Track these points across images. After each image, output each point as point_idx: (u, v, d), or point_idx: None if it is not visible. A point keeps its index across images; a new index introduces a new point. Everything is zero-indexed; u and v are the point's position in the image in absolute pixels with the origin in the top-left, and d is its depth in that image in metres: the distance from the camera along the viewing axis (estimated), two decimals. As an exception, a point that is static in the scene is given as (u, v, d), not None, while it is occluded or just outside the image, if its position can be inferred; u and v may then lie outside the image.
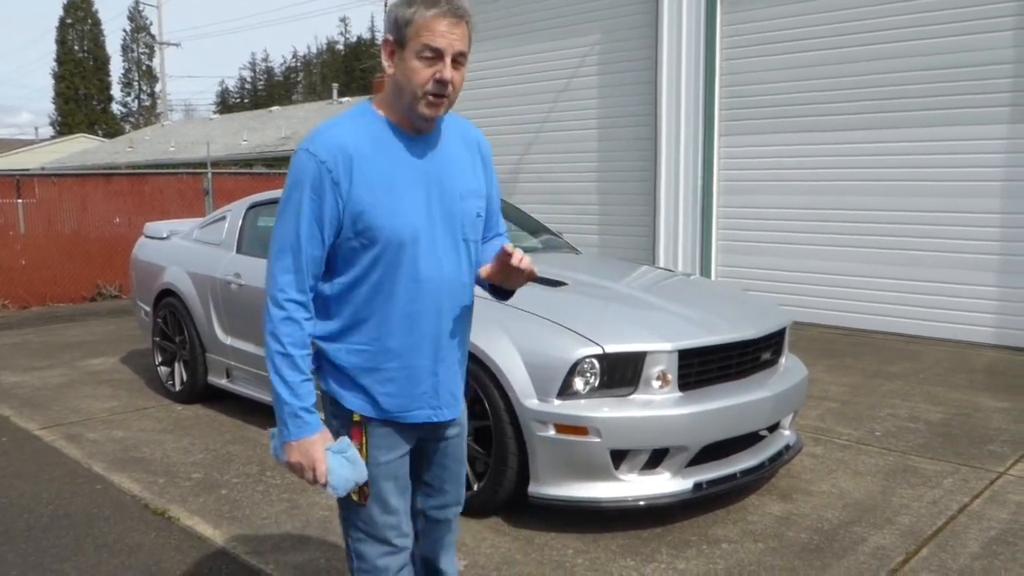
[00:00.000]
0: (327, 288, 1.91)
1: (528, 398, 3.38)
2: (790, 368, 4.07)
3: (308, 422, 1.83)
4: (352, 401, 1.91)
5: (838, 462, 4.29)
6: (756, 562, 3.20)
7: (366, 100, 1.92)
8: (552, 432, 3.33)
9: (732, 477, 3.57)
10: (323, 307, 1.92)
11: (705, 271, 8.66)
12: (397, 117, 1.86)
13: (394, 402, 1.92)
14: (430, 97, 1.79)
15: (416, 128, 1.87)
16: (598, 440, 3.29)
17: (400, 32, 1.77)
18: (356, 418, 1.91)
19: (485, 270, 2.02)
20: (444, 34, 1.76)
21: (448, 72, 1.78)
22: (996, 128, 6.88)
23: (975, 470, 4.14)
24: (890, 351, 6.87)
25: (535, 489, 3.42)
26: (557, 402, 3.35)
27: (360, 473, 1.88)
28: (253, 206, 5.41)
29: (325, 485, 1.85)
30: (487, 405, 3.49)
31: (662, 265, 8.68)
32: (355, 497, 1.93)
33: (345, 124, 1.84)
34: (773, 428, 3.94)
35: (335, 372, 1.93)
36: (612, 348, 3.38)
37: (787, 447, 3.94)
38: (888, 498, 3.81)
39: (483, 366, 3.50)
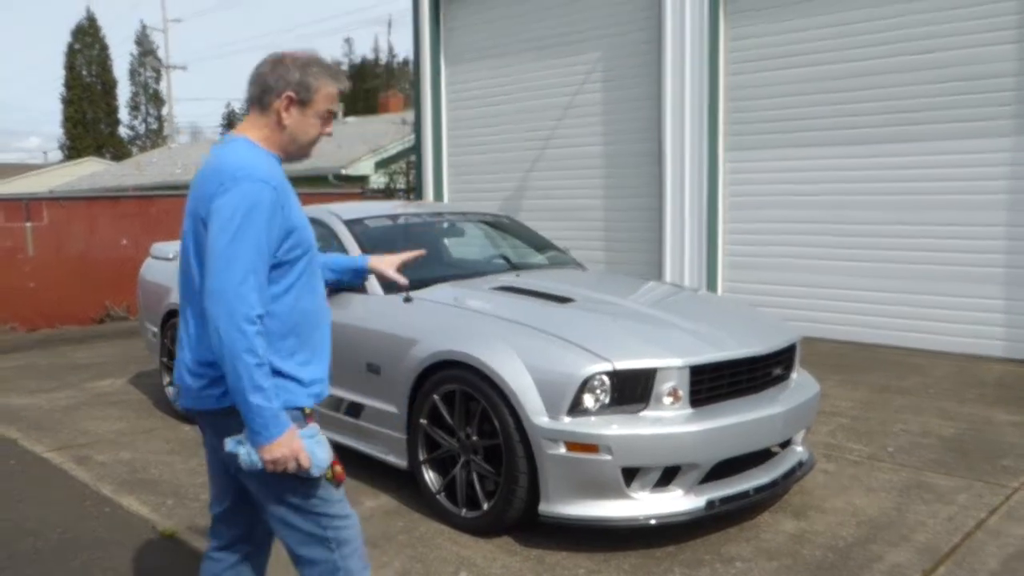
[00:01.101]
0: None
1: (538, 416, 3.35)
2: (801, 384, 4.04)
3: (283, 419, 2.01)
4: (303, 396, 2.13)
5: (851, 479, 4.24)
6: (771, 580, 3.16)
7: (244, 138, 2.15)
8: (563, 450, 3.31)
9: (745, 494, 3.53)
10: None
11: (711, 286, 8.64)
12: (283, 155, 2.19)
13: (313, 388, 2.17)
14: (316, 144, 2.24)
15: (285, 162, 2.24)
16: (609, 458, 3.27)
17: (307, 94, 2.14)
18: (308, 411, 2.13)
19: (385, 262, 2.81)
20: (336, 101, 2.22)
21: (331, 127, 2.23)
22: (1000, 141, 6.86)
23: (989, 485, 4.09)
24: (899, 365, 6.83)
25: (546, 508, 3.39)
26: (567, 419, 3.32)
27: (329, 452, 2.11)
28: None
29: (308, 470, 2.04)
30: (496, 423, 3.47)
31: (668, 281, 8.66)
32: (329, 477, 2.12)
33: (263, 158, 2.11)
34: (785, 444, 3.90)
35: (280, 378, 2.10)
36: (622, 365, 3.36)
37: (800, 463, 3.91)
38: (903, 515, 3.76)
39: (491, 383, 3.48)
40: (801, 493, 4.03)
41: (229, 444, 2.06)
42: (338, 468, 2.14)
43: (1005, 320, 6.90)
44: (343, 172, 16.83)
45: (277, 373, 2.07)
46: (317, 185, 15.38)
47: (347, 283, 2.73)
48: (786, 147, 8.10)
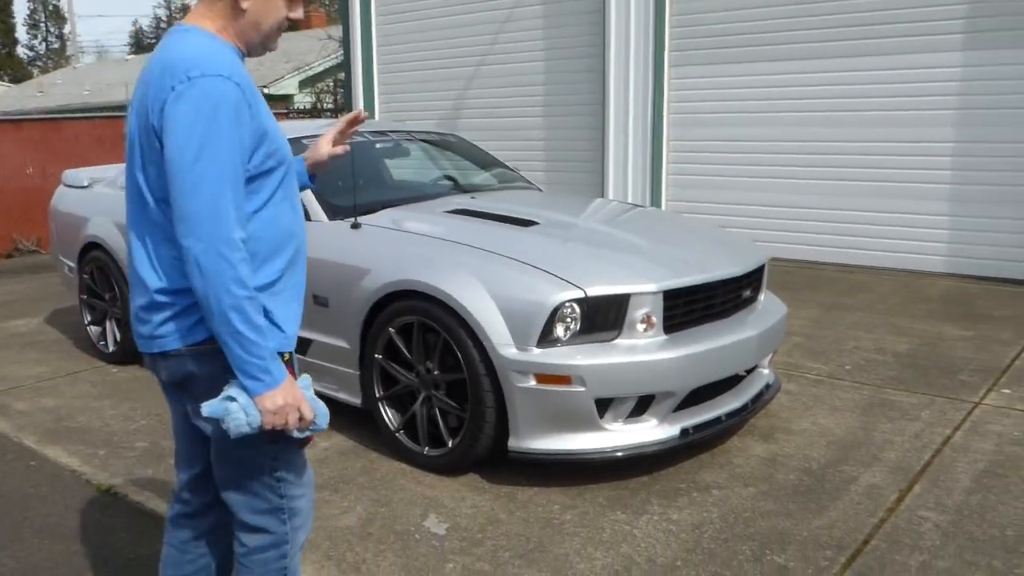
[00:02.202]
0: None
1: (505, 347, 3.14)
2: (768, 306, 3.92)
3: (280, 363, 1.74)
4: (280, 340, 1.82)
5: (814, 398, 4.19)
6: (750, 507, 3.07)
7: (196, 27, 1.79)
8: (533, 383, 3.12)
9: (717, 420, 3.42)
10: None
11: (655, 205, 8.50)
12: (243, 47, 1.85)
13: (289, 328, 1.86)
14: (281, 31, 1.89)
15: (247, 57, 1.90)
16: (582, 389, 3.09)
17: None
18: (287, 357, 1.83)
19: (318, 149, 2.22)
20: None
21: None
22: (950, 56, 6.79)
23: (951, 401, 4.09)
24: (845, 283, 6.84)
25: (515, 443, 3.21)
26: (537, 351, 3.12)
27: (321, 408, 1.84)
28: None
29: (312, 422, 1.79)
30: (460, 356, 3.25)
31: (616, 199, 8.49)
32: (299, 436, 1.83)
33: (222, 50, 1.75)
34: (751, 368, 3.80)
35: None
36: (594, 291, 3.16)
37: (767, 386, 3.82)
38: (870, 434, 3.72)
39: (454, 314, 3.25)
40: (767, 416, 3.96)
41: (212, 407, 1.71)
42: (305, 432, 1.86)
43: (948, 236, 6.96)
44: (265, 91, 16.02)
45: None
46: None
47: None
48: (732, 63, 7.90)
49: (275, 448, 1.84)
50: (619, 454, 3.19)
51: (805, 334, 5.35)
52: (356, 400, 3.75)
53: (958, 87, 6.77)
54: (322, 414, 1.82)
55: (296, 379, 1.79)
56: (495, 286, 3.22)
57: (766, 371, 3.90)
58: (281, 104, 15.45)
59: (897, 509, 3.01)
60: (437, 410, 3.43)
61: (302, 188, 2.29)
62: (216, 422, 1.75)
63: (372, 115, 10.87)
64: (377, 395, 3.63)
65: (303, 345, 3.91)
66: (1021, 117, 6.52)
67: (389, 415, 3.62)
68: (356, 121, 2.25)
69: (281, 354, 1.79)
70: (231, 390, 1.72)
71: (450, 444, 3.37)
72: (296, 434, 1.78)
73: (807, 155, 7.59)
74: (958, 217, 6.90)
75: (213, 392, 1.74)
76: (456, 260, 3.38)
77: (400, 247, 3.61)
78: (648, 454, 3.25)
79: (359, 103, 10.89)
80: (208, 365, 1.76)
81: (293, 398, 1.73)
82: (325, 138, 2.27)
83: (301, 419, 1.75)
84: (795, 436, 3.72)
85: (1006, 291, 6.36)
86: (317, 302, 3.82)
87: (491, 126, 9.77)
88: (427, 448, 3.47)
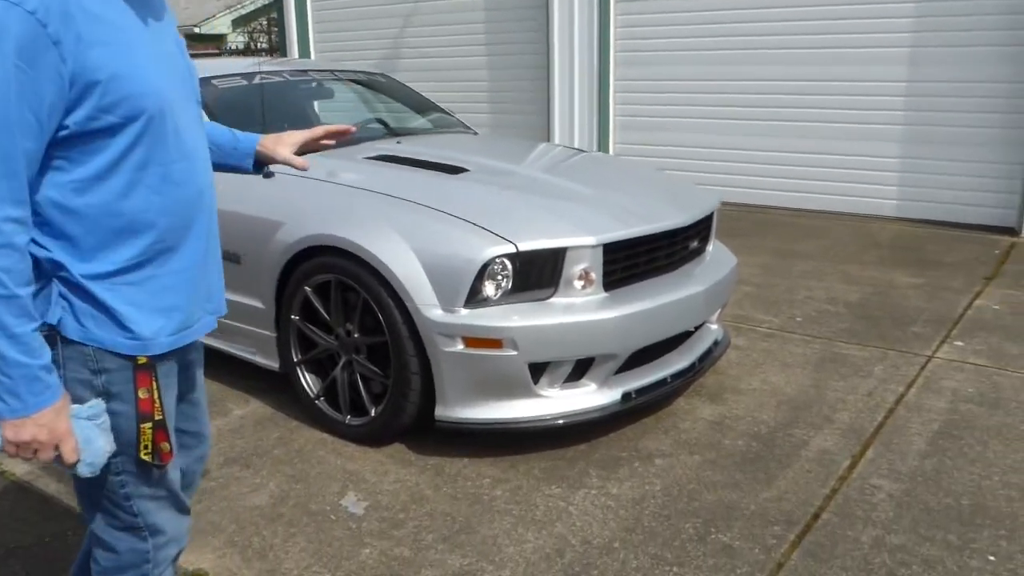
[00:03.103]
0: (56, 193, 1.37)
1: (430, 308, 2.85)
2: (717, 257, 3.67)
3: (49, 384, 1.36)
4: (128, 342, 1.45)
5: (764, 353, 4.00)
6: (695, 478, 2.86)
7: None
8: (460, 347, 2.83)
9: (663, 382, 3.19)
10: (56, 223, 1.38)
11: (603, 148, 8.20)
12: None
13: (178, 319, 1.51)
14: None
15: None
16: (514, 353, 2.82)
17: None
18: (142, 361, 1.47)
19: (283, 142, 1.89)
20: None
21: None
22: (904, -11, 6.53)
23: (903, 355, 3.93)
24: (794, 228, 6.66)
25: (443, 412, 2.94)
26: (464, 311, 2.84)
27: (111, 443, 1.47)
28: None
29: (74, 464, 1.42)
30: (381, 318, 2.95)
31: (562, 144, 8.16)
32: (148, 458, 1.50)
33: None
34: (699, 323, 3.57)
35: (96, 312, 1.42)
36: (527, 245, 2.87)
37: (716, 343, 3.59)
38: (822, 392, 3.54)
39: (373, 272, 2.93)
40: (715, 373, 3.75)
41: None
42: (164, 446, 1.52)
43: (898, 179, 6.79)
44: (196, 31, 15.18)
45: (98, 304, 1.42)
46: (167, 45, 13.81)
47: (229, 168, 1.86)
48: (681, -3, 7.54)
49: (116, 463, 1.51)
50: (557, 422, 2.95)
51: (756, 283, 5.16)
52: (274, 364, 3.44)
53: (911, 23, 6.52)
54: (87, 461, 1.43)
55: (89, 404, 1.44)
56: (418, 240, 2.91)
57: (715, 327, 3.68)
58: (213, 44, 14.65)
59: (849, 477, 2.83)
60: (359, 376, 3.14)
61: (236, 170, 1.90)
62: None
63: (307, 54, 10.31)
64: (295, 359, 3.32)
65: (214, 305, 3.57)
66: (975, 56, 6.32)
67: (308, 381, 3.32)
68: (340, 134, 1.95)
69: (135, 358, 1.46)
70: None
71: (373, 413, 3.09)
72: (79, 470, 1.44)
73: (757, 95, 7.32)
74: (909, 159, 6.72)
75: (81, 389, 1.44)
76: (375, 211, 3.06)
77: (315, 197, 3.27)
78: (587, 421, 3.01)
79: (293, 43, 10.30)
80: None
81: (48, 434, 1.36)
82: (290, 139, 1.93)
83: (58, 458, 1.40)
84: (744, 396, 3.52)
85: (955, 235, 6.24)
86: (228, 258, 3.46)
87: (430, 66, 9.30)
88: (349, 416, 3.19)
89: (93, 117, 1.34)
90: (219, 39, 15.20)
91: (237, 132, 1.94)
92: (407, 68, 9.37)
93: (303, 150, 1.95)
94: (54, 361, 1.38)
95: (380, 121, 4.60)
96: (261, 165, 1.93)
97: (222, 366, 3.80)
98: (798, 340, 4.16)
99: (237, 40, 15.16)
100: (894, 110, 6.71)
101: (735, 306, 4.68)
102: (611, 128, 8.19)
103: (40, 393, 1.34)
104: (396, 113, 4.79)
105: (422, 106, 4.92)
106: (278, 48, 11.20)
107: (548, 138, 8.44)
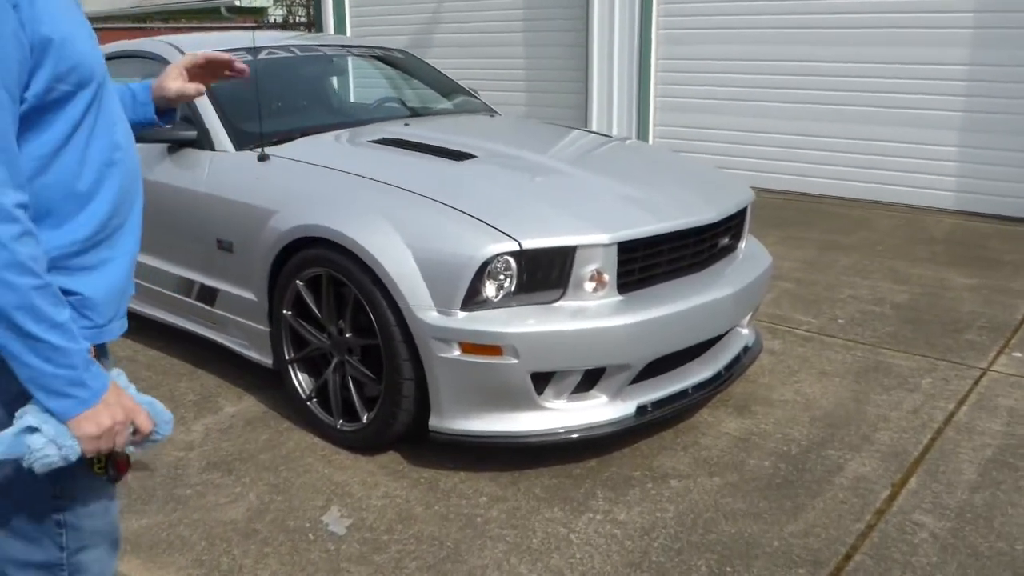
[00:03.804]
0: None
1: (424, 309, 2.59)
2: (750, 254, 3.35)
3: (98, 367, 1.26)
4: (87, 330, 1.30)
5: (800, 360, 3.67)
6: (713, 504, 2.57)
7: None
8: (456, 352, 2.58)
9: (683, 394, 2.90)
10: None
11: (643, 131, 7.84)
12: None
13: (124, 304, 1.39)
14: None
15: None
16: (515, 361, 2.55)
17: None
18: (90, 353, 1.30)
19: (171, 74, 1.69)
20: None
21: None
22: (970, -36, 6.04)
23: (955, 366, 3.57)
24: (842, 219, 6.26)
25: (437, 423, 2.69)
26: (462, 314, 2.57)
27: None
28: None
29: (151, 434, 1.34)
30: (373, 319, 2.70)
31: (594, 129, 7.82)
32: (101, 472, 1.32)
33: None
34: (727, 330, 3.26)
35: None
36: (532, 243, 2.59)
37: (746, 349, 3.28)
38: (862, 407, 3.21)
39: (364, 267, 2.68)
40: (745, 381, 3.44)
41: (5, 445, 1.19)
42: (120, 453, 1.33)
43: (957, 169, 6.33)
44: (237, 3, 15.04)
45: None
46: (206, 18, 13.69)
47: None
48: (728, -29, 7.12)
49: (62, 479, 1.30)
50: (562, 437, 2.68)
51: (796, 279, 4.81)
52: (267, 360, 3.23)
53: (972, 3, 6.04)
54: (164, 420, 1.36)
55: (113, 370, 1.32)
56: (412, 234, 2.65)
57: (745, 331, 3.36)
58: (253, 17, 14.51)
59: (887, 511, 2.51)
60: (351, 378, 2.90)
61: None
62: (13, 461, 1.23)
63: (343, 29, 10.07)
64: (287, 356, 3.10)
65: (209, 295, 3.37)
66: (1047, 37, 5.83)
67: (300, 380, 3.10)
68: (221, 65, 1.73)
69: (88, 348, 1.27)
70: (29, 417, 1.20)
71: (364, 419, 2.86)
72: (131, 449, 1.33)
73: (808, 76, 6.89)
74: (970, 148, 6.25)
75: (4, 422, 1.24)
76: (368, 201, 2.80)
77: (311, 184, 3.02)
78: (597, 436, 2.73)
79: (329, 16, 10.08)
80: None
81: (123, 411, 1.26)
82: (173, 71, 1.71)
83: (136, 432, 1.30)
84: (775, 409, 3.21)
85: (1018, 231, 5.79)
86: (221, 246, 3.26)
87: (465, 42, 9.00)
88: (341, 421, 2.96)
89: (50, 88, 1.22)
90: (260, 12, 15.06)
91: (131, 84, 1.74)
92: (441, 44, 9.09)
93: (196, 77, 1.73)
94: None
95: (393, 101, 4.34)
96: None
97: (220, 360, 3.61)
98: (839, 345, 3.82)
99: (276, 13, 15.00)
100: (954, 95, 6.24)
101: (771, 304, 4.35)
102: (651, 109, 7.83)
103: (99, 375, 1.25)
104: (411, 90, 4.52)
105: (441, 84, 4.64)
106: (314, 23, 10.99)
107: (585, 119, 8.10)
